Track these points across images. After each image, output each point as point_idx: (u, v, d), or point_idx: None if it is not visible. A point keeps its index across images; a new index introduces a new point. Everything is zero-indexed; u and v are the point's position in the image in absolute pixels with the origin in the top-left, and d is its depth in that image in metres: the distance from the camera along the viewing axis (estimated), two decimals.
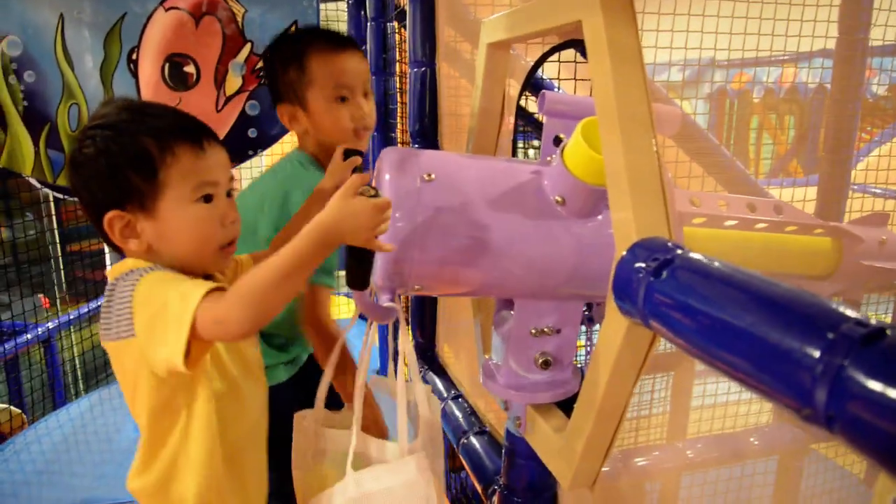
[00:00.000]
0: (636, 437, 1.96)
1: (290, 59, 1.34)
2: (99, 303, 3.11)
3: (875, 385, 0.39)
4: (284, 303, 0.81)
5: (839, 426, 0.42)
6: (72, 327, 3.24)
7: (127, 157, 0.89)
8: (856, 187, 1.97)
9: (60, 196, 2.07)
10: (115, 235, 0.91)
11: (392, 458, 0.91)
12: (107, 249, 2.86)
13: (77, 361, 3.41)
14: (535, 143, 1.99)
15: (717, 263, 0.57)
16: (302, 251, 0.79)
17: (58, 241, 3.47)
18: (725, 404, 2.02)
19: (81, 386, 3.43)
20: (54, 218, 3.41)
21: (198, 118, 0.97)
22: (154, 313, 0.82)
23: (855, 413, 0.40)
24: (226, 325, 0.79)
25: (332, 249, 0.82)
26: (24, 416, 2.61)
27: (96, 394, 2.77)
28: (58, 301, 3.63)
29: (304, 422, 1.01)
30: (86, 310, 3.17)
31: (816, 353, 0.43)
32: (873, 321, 0.43)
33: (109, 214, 0.90)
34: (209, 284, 0.83)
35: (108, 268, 2.97)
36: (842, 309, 0.45)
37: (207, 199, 0.93)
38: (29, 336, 2.82)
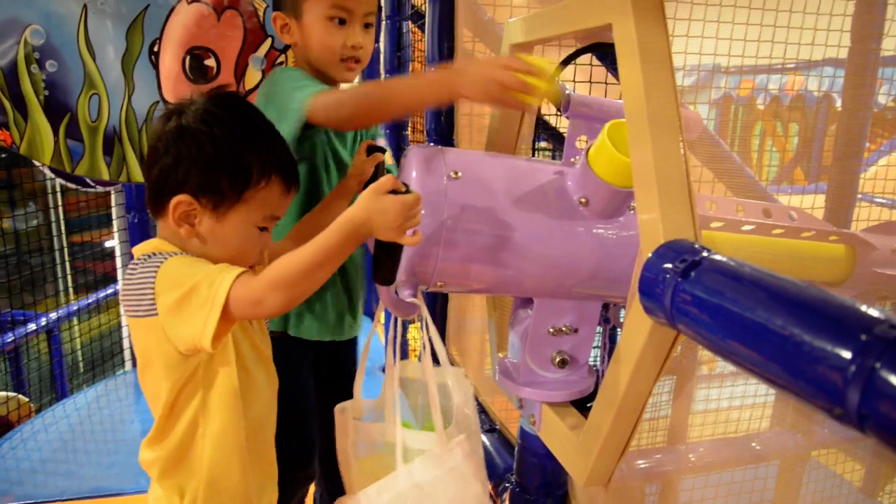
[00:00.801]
0: (638, 440, 1.97)
1: None
2: (102, 294, 3.15)
3: None
4: (314, 289, 0.86)
5: (871, 426, 0.43)
6: (75, 318, 3.25)
7: (231, 163, 0.92)
8: (861, 196, 1.98)
9: (73, 186, 2.08)
10: (173, 215, 0.93)
11: (431, 445, 0.93)
12: (117, 240, 2.86)
13: (80, 353, 3.42)
14: (542, 144, 2.00)
15: (746, 266, 0.58)
16: (333, 244, 0.83)
17: (63, 231, 3.48)
18: (728, 409, 2.03)
19: (83, 377, 3.45)
20: (61, 209, 3.42)
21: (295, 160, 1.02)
22: (183, 294, 0.86)
23: (887, 413, 0.41)
24: (262, 305, 0.84)
25: (361, 242, 0.85)
26: (32, 405, 2.62)
27: (102, 384, 2.78)
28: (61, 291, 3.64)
29: (343, 415, 1.05)
30: (93, 300, 3.18)
31: (849, 355, 0.44)
32: None
33: (182, 197, 0.92)
34: (237, 269, 0.87)
35: (124, 256, 2.99)
36: (873, 311, 0.46)
37: (263, 228, 0.98)
38: (33, 326, 2.84)
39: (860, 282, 1.08)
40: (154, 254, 0.92)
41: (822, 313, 0.49)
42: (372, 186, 0.83)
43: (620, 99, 0.80)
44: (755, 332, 0.53)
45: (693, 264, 0.63)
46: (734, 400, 2.04)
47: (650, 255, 0.69)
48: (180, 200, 0.92)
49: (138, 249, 0.96)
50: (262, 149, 0.95)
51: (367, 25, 1.31)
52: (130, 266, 0.93)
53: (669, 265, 0.65)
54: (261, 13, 1.83)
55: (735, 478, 1.95)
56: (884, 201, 2.02)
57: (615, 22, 0.75)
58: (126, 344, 3.06)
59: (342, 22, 1.27)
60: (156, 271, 0.88)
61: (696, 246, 0.66)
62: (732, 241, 1.02)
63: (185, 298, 0.85)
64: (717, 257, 0.62)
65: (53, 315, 2.96)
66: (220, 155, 0.92)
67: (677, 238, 0.69)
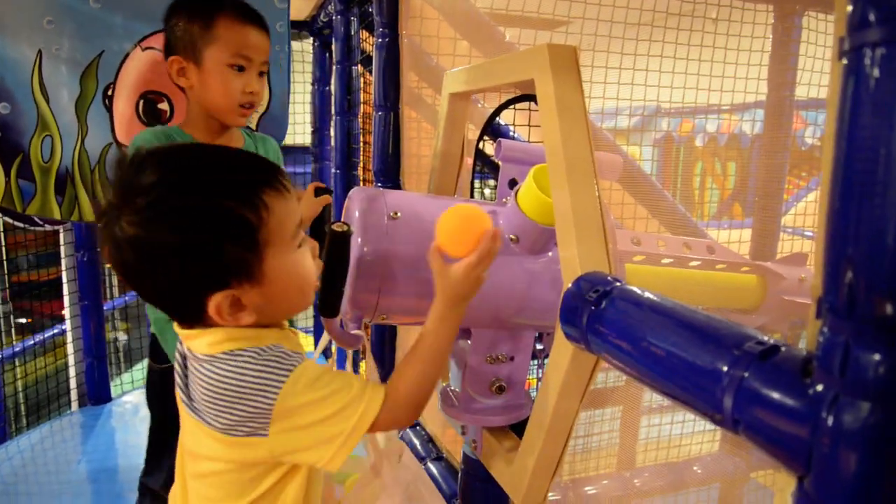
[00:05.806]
0: (586, 467, 2.03)
1: (198, 12, 1.34)
2: (45, 335, 3.09)
3: (770, 392, 0.47)
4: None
5: (743, 428, 0.50)
6: (16, 360, 3.18)
7: (218, 233, 0.74)
8: (790, 230, 2.11)
9: (20, 225, 2.07)
10: (224, 317, 0.77)
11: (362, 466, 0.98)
12: (65, 279, 2.82)
13: (20, 395, 3.32)
14: (491, 182, 2.10)
15: (647, 294, 0.66)
16: (446, 337, 0.84)
17: (6, 270, 3.41)
18: (669, 436, 2.11)
19: (25, 421, 3.35)
20: (3, 248, 3.35)
21: (260, 156, 0.86)
22: (317, 421, 0.77)
23: (755, 416, 0.48)
24: (399, 423, 0.85)
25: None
26: None
27: (47, 425, 2.72)
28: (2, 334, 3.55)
29: None
30: (31, 342, 3.11)
31: (724, 367, 0.51)
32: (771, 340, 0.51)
33: (216, 299, 0.75)
34: (379, 394, 0.80)
35: (72, 295, 2.93)
36: (746, 331, 0.54)
37: (297, 235, 0.82)
38: None
39: (771, 308, 1.18)
40: (249, 356, 0.77)
41: (705, 333, 0.56)
42: (462, 266, 0.82)
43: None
44: (652, 351, 0.60)
45: (605, 294, 0.70)
46: (675, 426, 2.12)
47: (570, 286, 0.76)
48: (218, 302, 0.76)
49: (205, 346, 0.79)
50: (228, 186, 0.76)
51: (261, 73, 1.38)
52: (211, 371, 0.78)
53: (585, 295, 0.73)
54: None
55: (678, 502, 2.02)
56: (810, 234, 2.16)
57: (537, 78, 0.83)
58: (73, 384, 3.00)
59: (241, 69, 1.34)
60: (277, 394, 0.75)
61: (609, 278, 0.74)
62: (654, 273, 1.11)
63: (319, 426, 0.77)
64: (626, 287, 0.70)
65: None
66: (201, 238, 0.74)
67: (593, 271, 0.76)
